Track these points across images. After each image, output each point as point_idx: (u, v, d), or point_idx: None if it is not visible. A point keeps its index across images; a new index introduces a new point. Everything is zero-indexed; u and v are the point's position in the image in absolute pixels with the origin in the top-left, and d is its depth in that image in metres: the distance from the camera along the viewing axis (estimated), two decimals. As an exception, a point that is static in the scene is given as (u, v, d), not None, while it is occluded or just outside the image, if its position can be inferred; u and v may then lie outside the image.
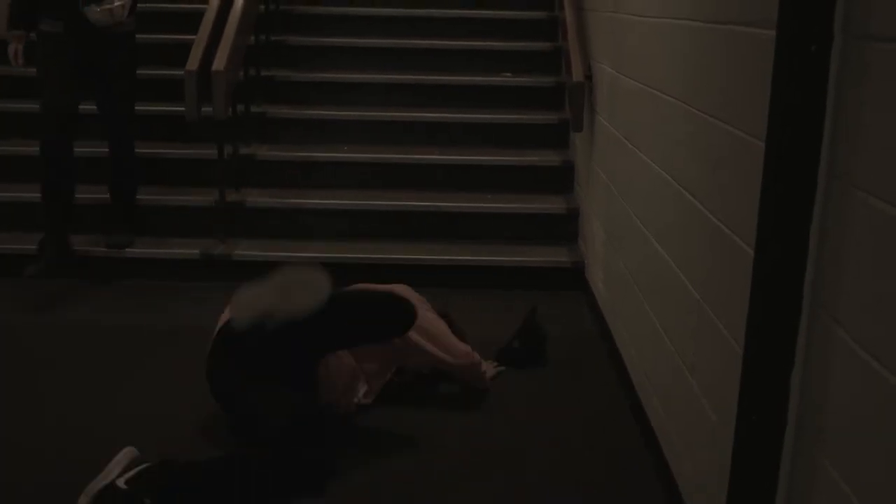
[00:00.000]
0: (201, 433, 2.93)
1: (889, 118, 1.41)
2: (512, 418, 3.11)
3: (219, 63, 4.22)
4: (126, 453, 2.53)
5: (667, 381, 2.72)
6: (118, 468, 2.48)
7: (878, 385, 1.43)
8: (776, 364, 1.72)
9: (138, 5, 4.42)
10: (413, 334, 3.03)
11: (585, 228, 4.43)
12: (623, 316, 3.47)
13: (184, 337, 3.71)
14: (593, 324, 3.98)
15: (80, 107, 4.27)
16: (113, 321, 3.94)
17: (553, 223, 4.64)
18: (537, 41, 5.67)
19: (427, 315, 3.12)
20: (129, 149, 4.51)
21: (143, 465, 2.50)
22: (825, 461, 1.62)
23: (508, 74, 5.50)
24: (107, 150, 4.47)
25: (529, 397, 3.27)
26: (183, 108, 4.23)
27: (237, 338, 2.81)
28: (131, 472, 2.47)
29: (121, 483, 2.43)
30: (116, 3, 4.15)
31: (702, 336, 2.34)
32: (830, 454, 1.60)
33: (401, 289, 3.19)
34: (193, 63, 4.21)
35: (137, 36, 4.43)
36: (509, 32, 5.76)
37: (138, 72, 4.46)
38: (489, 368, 3.41)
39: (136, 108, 4.48)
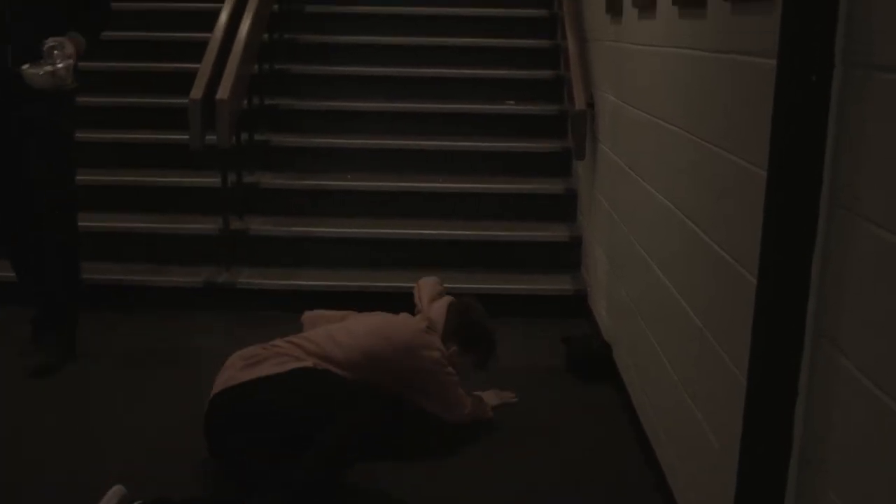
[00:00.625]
0: (200, 470, 2.87)
1: (891, 147, 1.41)
2: (514, 446, 3.09)
3: (223, 92, 4.25)
4: (114, 492, 2.47)
5: (670, 409, 2.71)
6: None
7: (883, 414, 1.42)
8: (780, 394, 1.71)
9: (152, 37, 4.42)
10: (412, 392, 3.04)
11: (588, 256, 4.43)
12: (626, 343, 3.46)
13: (184, 366, 3.69)
14: (597, 352, 3.98)
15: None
16: (111, 349, 3.92)
17: (556, 251, 4.64)
18: (540, 69, 5.70)
19: (429, 369, 3.04)
20: (63, 250, 3.70)
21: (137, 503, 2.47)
22: (830, 492, 1.61)
23: (512, 102, 5.52)
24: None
25: (533, 426, 3.25)
26: (187, 137, 4.25)
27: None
28: None
29: None
30: (59, 65, 3.38)
31: (704, 364, 2.34)
32: (835, 485, 1.59)
33: (403, 321, 3.15)
34: (198, 92, 4.23)
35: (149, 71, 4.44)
36: (513, 61, 5.79)
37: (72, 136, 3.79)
38: (493, 397, 3.39)
39: (146, 136, 4.48)
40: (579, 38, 4.78)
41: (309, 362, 2.82)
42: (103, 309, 4.31)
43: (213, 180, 4.50)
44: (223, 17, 4.70)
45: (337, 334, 2.97)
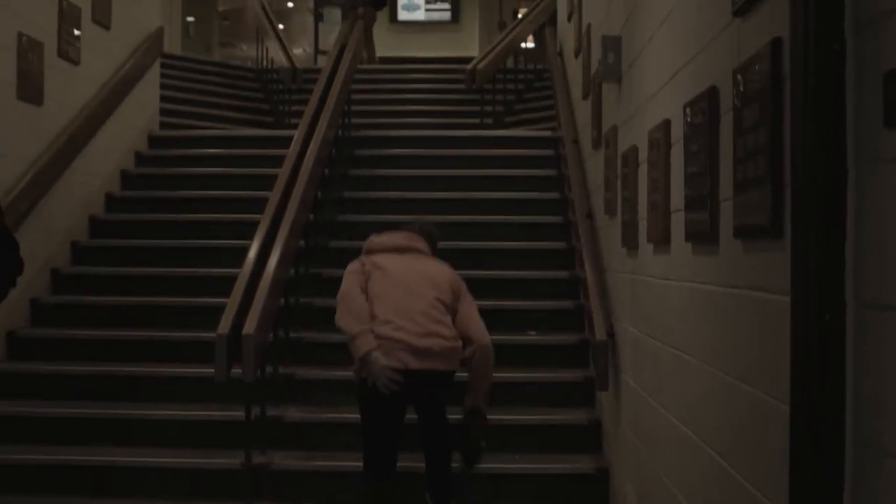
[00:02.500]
0: None
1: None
2: None
3: (249, 326, 4.33)
4: None
5: None
6: None
7: None
8: None
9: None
10: None
11: (615, 489, 4.33)
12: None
13: None
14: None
15: None
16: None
17: (581, 484, 4.54)
18: (561, 300, 5.79)
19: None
20: None
21: None
22: None
23: (533, 333, 5.58)
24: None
25: None
26: (212, 370, 4.30)
27: None
28: None
29: None
30: None
31: None
32: None
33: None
34: (225, 326, 4.32)
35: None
36: (533, 292, 5.90)
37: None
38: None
39: (170, 370, 4.53)
40: (598, 269, 4.90)
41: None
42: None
43: (236, 414, 4.51)
44: (251, 253, 4.87)
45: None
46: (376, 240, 4.31)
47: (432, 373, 3.94)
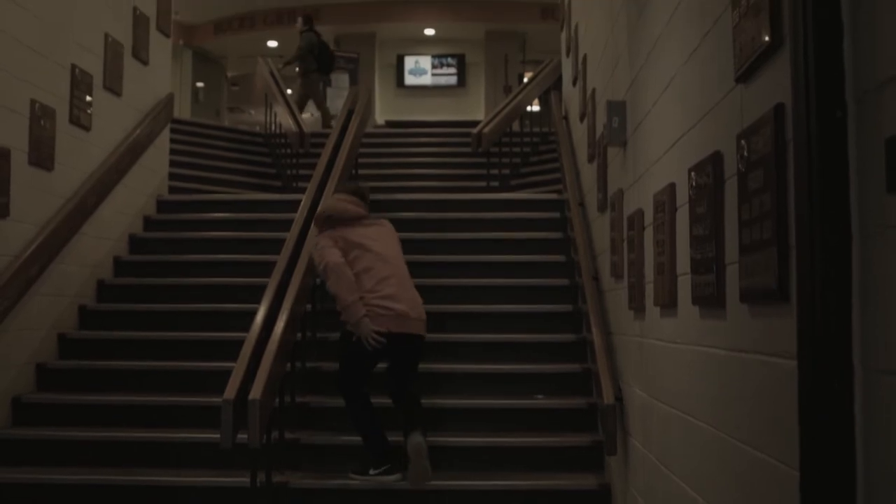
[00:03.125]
0: None
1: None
2: None
3: (256, 391, 4.31)
4: None
5: None
6: None
7: None
8: None
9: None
10: None
11: (626, 556, 4.27)
12: None
13: None
14: None
15: None
16: None
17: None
18: (568, 363, 5.76)
19: None
20: None
21: None
22: None
23: (540, 397, 5.55)
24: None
25: None
26: (217, 435, 4.27)
27: None
28: None
29: None
30: None
31: None
32: None
33: None
34: (231, 392, 4.30)
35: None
36: (540, 356, 5.87)
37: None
38: None
39: (173, 436, 4.50)
40: (605, 332, 4.88)
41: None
42: None
43: (241, 480, 4.47)
44: (258, 318, 4.87)
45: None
46: (335, 215, 4.99)
47: (409, 335, 4.81)
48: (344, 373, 4.88)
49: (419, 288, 5.06)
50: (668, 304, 3.19)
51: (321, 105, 12.45)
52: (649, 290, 3.59)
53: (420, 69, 19.47)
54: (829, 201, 1.63)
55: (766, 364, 2.13)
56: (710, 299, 2.61)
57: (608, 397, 4.32)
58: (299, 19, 12.57)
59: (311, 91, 12.29)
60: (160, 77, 8.01)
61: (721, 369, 2.55)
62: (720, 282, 2.51)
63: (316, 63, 12.11)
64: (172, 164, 8.45)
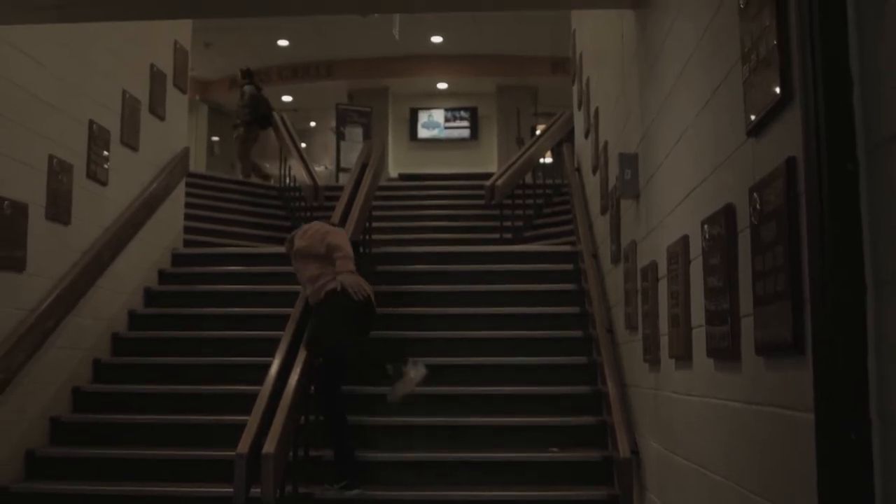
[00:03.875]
0: None
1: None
2: None
3: (269, 445, 4.29)
4: None
5: None
6: None
7: None
8: None
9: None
10: None
11: None
12: None
13: None
14: None
15: None
16: None
17: None
18: (583, 416, 5.72)
19: None
20: None
21: None
22: None
23: (555, 450, 5.50)
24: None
25: None
26: (230, 490, 4.25)
27: None
28: None
29: None
30: None
31: None
32: None
33: None
34: (244, 446, 4.28)
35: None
36: (554, 408, 5.83)
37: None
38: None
39: (186, 490, 4.48)
40: (619, 384, 4.86)
41: None
42: None
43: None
44: (272, 370, 4.87)
45: None
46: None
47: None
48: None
49: (432, 340, 5.05)
50: (683, 356, 3.18)
51: (242, 158, 12.06)
52: (664, 342, 3.58)
53: (433, 122, 19.62)
54: (843, 254, 1.64)
55: (781, 416, 2.11)
56: (724, 352, 2.61)
57: (624, 450, 4.29)
58: (239, 71, 12.43)
59: (246, 141, 11.93)
60: (176, 132, 8.11)
61: (736, 422, 2.54)
62: (735, 334, 2.50)
63: (251, 115, 11.81)
64: (187, 217, 8.51)
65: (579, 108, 8.05)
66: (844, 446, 1.59)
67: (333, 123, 17.17)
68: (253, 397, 4.67)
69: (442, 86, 18.96)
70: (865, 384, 1.61)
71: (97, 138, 6.28)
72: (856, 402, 1.59)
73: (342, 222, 6.62)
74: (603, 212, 5.93)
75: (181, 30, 8.23)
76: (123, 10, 4.95)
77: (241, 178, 11.64)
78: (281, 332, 5.31)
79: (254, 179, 11.95)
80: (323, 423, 5.61)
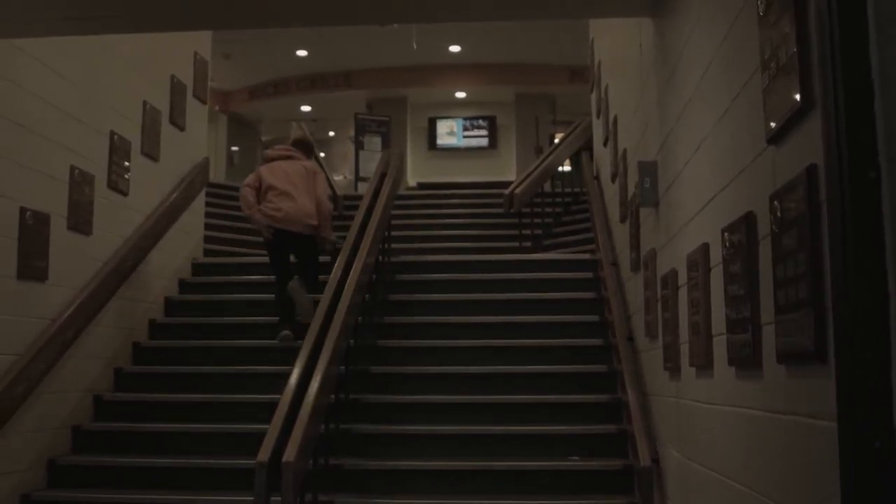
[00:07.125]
0: None
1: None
2: None
3: (290, 454, 4.30)
4: None
5: None
6: None
7: None
8: None
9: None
10: None
11: None
12: None
13: None
14: None
15: None
16: None
17: None
18: (603, 424, 5.71)
19: None
20: None
21: None
22: None
23: (576, 458, 5.48)
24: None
25: None
26: (251, 499, 4.26)
27: None
28: None
29: None
30: None
31: None
32: None
33: None
34: (265, 454, 4.29)
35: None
36: (574, 416, 5.82)
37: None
38: None
39: (198, 498, 4.48)
40: (640, 393, 4.84)
41: None
42: None
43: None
44: (292, 380, 4.88)
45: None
46: (265, 158, 7.20)
47: (292, 232, 6.69)
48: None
49: (452, 349, 5.03)
50: (704, 364, 3.17)
51: None
52: (684, 350, 3.57)
53: (451, 131, 19.66)
54: (865, 261, 1.63)
55: (803, 425, 2.10)
56: (746, 360, 2.60)
57: (644, 459, 4.27)
58: None
59: None
60: (196, 142, 8.16)
61: (757, 430, 2.53)
62: (756, 342, 2.49)
63: None
64: (207, 226, 8.56)
65: (598, 116, 8.04)
66: (867, 454, 1.58)
67: (352, 133, 17.24)
68: (273, 406, 4.68)
69: (460, 95, 18.99)
70: (889, 392, 1.60)
71: (118, 149, 6.33)
72: (879, 411, 1.58)
73: (361, 231, 6.64)
74: (622, 220, 5.92)
75: (201, 41, 8.29)
76: (137, 23, 5.02)
77: None
78: (301, 342, 5.32)
79: None
80: (343, 432, 5.63)
